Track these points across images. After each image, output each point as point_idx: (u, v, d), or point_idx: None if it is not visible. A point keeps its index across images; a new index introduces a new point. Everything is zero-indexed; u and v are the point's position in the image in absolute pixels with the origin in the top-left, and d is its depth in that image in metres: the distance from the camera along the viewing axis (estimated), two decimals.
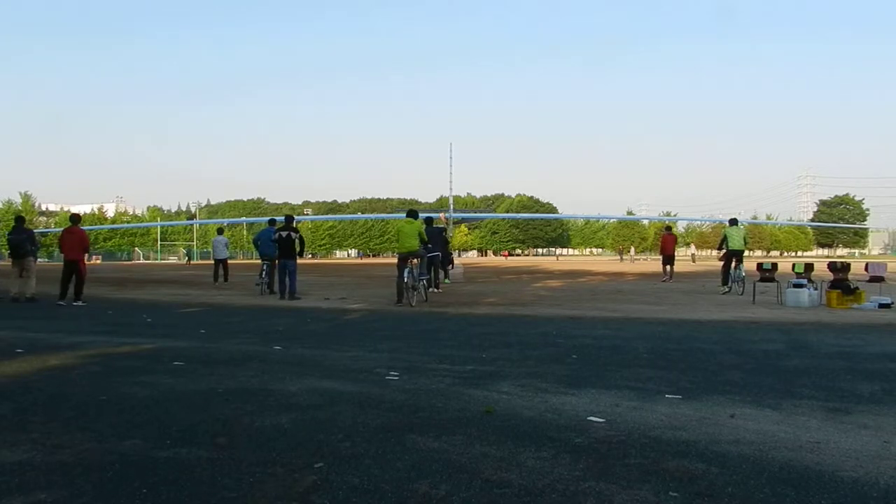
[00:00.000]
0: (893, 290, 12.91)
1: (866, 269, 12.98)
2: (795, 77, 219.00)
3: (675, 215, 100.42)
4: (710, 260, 49.03)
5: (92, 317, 10.16)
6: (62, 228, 14.12)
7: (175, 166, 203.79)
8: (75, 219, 13.35)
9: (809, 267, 12.08)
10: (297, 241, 13.23)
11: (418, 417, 3.78)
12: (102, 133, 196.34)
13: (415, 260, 12.00)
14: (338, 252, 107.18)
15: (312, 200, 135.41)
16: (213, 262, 21.21)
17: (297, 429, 3.53)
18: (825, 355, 6.21)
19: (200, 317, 10.35)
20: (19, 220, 13.99)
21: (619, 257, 63.41)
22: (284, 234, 13.17)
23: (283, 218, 14.33)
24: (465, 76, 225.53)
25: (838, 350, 6.54)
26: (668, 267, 19.73)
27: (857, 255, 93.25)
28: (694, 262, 49.68)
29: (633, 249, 70.61)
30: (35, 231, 16.63)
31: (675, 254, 21.36)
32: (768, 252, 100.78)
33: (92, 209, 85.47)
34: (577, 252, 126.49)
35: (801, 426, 3.60)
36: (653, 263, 37.82)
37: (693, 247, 65.39)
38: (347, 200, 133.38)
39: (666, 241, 20.55)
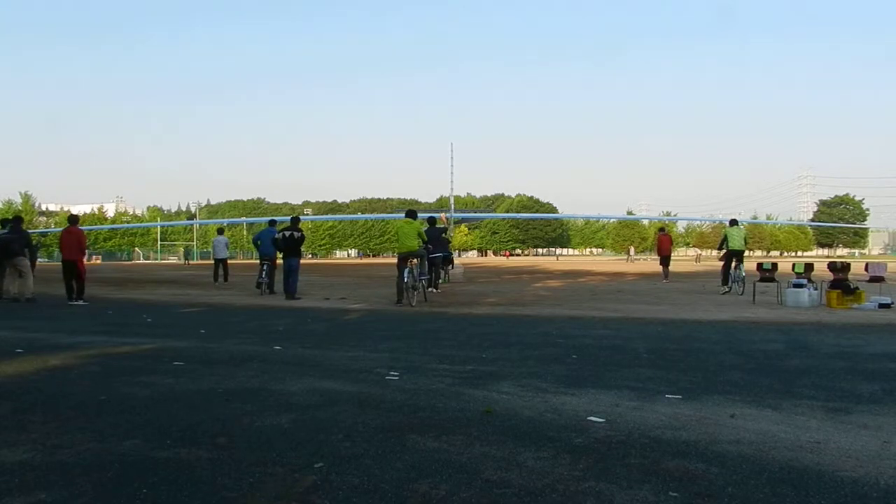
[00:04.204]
0: (893, 290, 12.90)
1: (866, 269, 12.97)
2: (795, 77, 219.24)
3: (675, 215, 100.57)
4: (712, 260, 49.02)
5: (92, 317, 10.17)
6: (62, 229, 14.12)
7: (175, 166, 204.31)
8: (73, 219, 13.37)
9: (809, 267, 12.07)
10: (300, 239, 13.56)
11: (418, 417, 3.77)
12: (102, 133, 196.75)
13: (414, 260, 12.02)
14: (338, 252, 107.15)
15: (312, 200, 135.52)
16: (212, 261, 21.24)
17: (297, 429, 3.53)
18: (825, 355, 6.21)
19: (200, 317, 10.35)
20: (17, 220, 13.97)
21: (626, 257, 63.18)
22: (288, 233, 13.34)
23: (283, 218, 14.45)
24: (465, 76, 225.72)
25: (838, 350, 6.54)
26: (665, 268, 19.76)
27: (857, 255, 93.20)
28: (697, 262, 49.68)
29: (632, 249, 70.59)
30: (35, 231, 16.56)
31: (672, 254, 21.44)
32: (768, 252, 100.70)
33: (92, 209, 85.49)
34: (577, 252, 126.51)
35: (801, 426, 3.60)
36: (652, 263, 37.83)
37: (697, 249, 65.28)
38: (347, 200, 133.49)
39: (662, 241, 20.61)
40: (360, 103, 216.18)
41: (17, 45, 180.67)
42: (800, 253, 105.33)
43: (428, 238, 13.13)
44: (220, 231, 24.13)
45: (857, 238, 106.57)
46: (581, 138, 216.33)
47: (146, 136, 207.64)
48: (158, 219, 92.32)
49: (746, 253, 17.27)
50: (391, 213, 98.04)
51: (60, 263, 13.14)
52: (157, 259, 78.71)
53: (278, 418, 3.74)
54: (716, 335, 7.62)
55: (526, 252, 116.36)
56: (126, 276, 26.10)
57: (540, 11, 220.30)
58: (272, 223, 15.84)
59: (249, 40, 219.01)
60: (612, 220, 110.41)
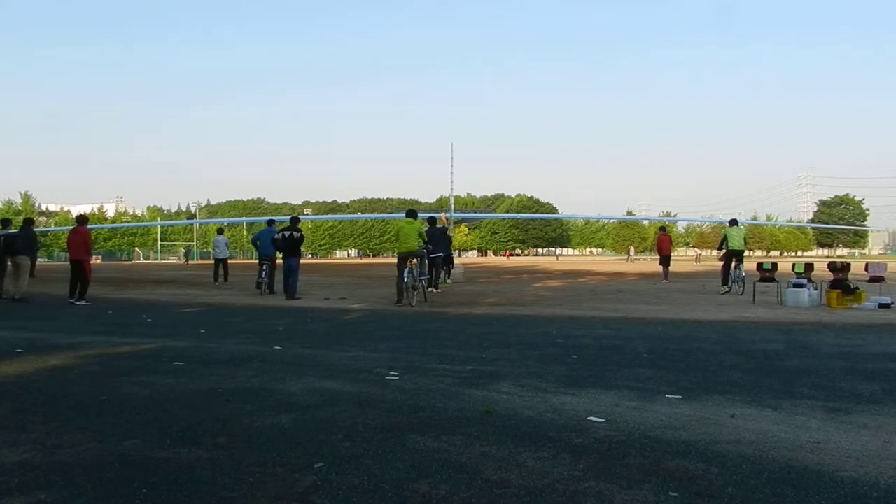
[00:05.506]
0: (893, 290, 12.90)
1: (866, 269, 12.98)
2: (795, 77, 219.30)
3: (675, 215, 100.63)
4: (712, 260, 49.02)
5: (92, 317, 10.16)
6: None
7: (175, 166, 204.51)
8: (81, 219, 13.37)
9: (809, 267, 12.08)
10: (300, 239, 13.59)
11: (418, 417, 3.77)
12: (102, 133, 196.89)
13: (414, 260, 12.01)
14: (338, 252, 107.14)
15: (312, 200, 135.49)
16: (212, 261, 21.24)
17: (297, 429, 3.53)
18: (825, 355, 6.21)
19: (200, 317, 10.34)
20: (27, 221, 14.05)
21: (626, 257, 63.22)
22: (288, 233, 13.34)
23: (283, 218, 14.45)
24: (465, 76, 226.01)
25: (838, 350, 6.54)
26: (665, 268, 19.78)
27: (857, 255, 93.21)
28: (698, 262, 49.70)
29: (632, 249, 70.62)
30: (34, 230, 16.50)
31: (672, 254, 21.47)
32: (768, 252, 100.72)
33: (92, 209, 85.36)
34: (577, 252, 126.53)
35: (801, 426, 3.60)
36: (652, 263, 37.83)
37: (697, 249, 65.30)
38: (347, 200, 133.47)
39: (662, 241, 20.64)
40: (360, 103, 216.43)
41: (16, 45, 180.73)
42: (800, 253, 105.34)
43: (429, 238, 13.13)
44: (220, 231, 24.12)
45: (857, 238, 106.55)
46: (581, 138, 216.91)
47: (146, 136, 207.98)
48: (158, 219, 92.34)
49: (746, 253, 17.28)
50: (391, 213, 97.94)
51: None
52: (157, 259, 78.67)
53: (278, 418, 3.74)
54: (716, 335, 7.62)
55: (526, 252, 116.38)
56: (126, 276, 26.09)
57: (540, 11, 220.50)
58: (271, 223, 15.82)
59: (249, 40, 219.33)
60: (612, 221, 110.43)
